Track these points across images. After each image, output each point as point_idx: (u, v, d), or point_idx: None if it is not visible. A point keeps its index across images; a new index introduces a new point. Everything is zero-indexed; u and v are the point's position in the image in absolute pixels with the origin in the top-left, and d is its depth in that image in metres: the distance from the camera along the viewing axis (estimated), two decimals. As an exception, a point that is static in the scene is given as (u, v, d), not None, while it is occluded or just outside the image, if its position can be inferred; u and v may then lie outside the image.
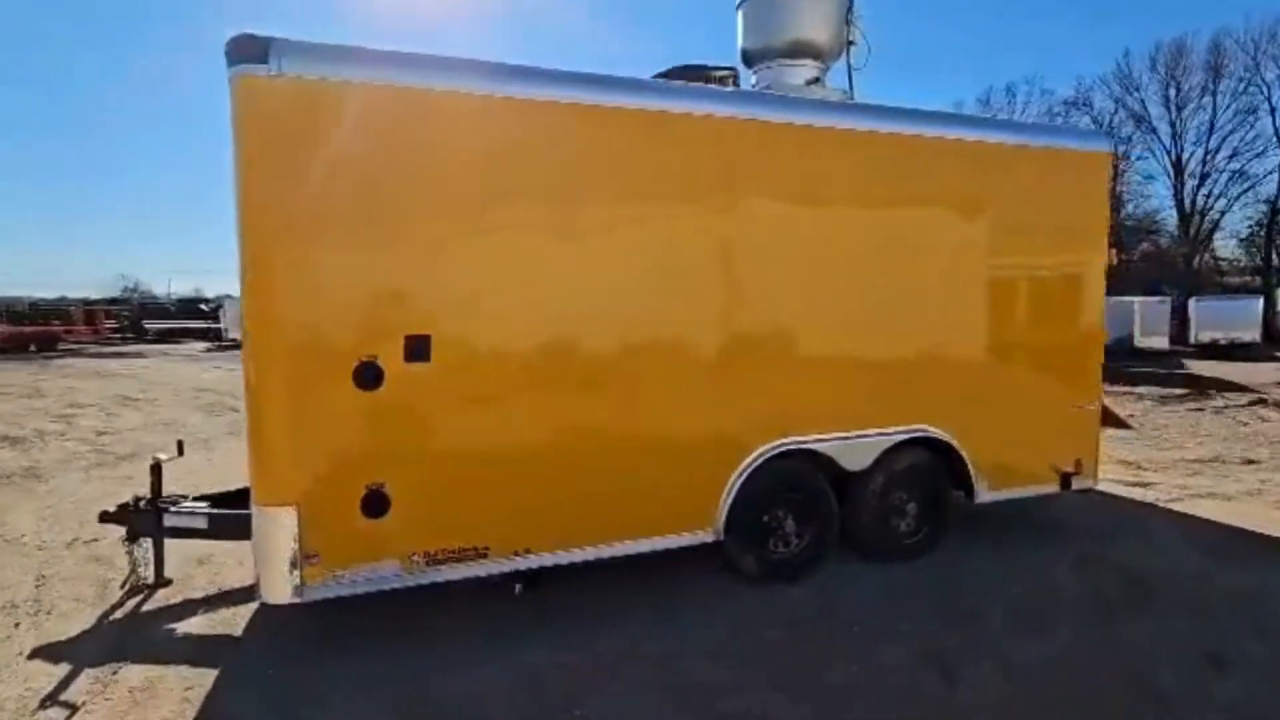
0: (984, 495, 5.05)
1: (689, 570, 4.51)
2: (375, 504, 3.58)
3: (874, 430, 4.69)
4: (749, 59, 4.96)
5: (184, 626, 4.02)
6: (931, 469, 4.92)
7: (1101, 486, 6.81)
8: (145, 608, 4.26)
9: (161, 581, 4.51)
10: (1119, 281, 25.51)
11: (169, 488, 4.62)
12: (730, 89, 4.64)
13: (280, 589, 3.49)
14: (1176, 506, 6.28)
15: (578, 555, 4.03)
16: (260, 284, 3.42)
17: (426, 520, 3.70)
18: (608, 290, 3.98)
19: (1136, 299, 23.08)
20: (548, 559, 3.96)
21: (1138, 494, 6.68)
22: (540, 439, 3.88)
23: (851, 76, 4.97)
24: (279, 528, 3.45)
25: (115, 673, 3.52)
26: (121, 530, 4.51)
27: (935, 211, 4.78)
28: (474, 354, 3.74)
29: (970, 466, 4.95)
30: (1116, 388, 15.31)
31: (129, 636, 3.90)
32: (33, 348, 26.23)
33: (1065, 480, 5.30)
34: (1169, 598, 4.37)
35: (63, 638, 3.88)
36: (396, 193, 3.54)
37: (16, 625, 4.04)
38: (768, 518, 4.51)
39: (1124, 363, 18.09)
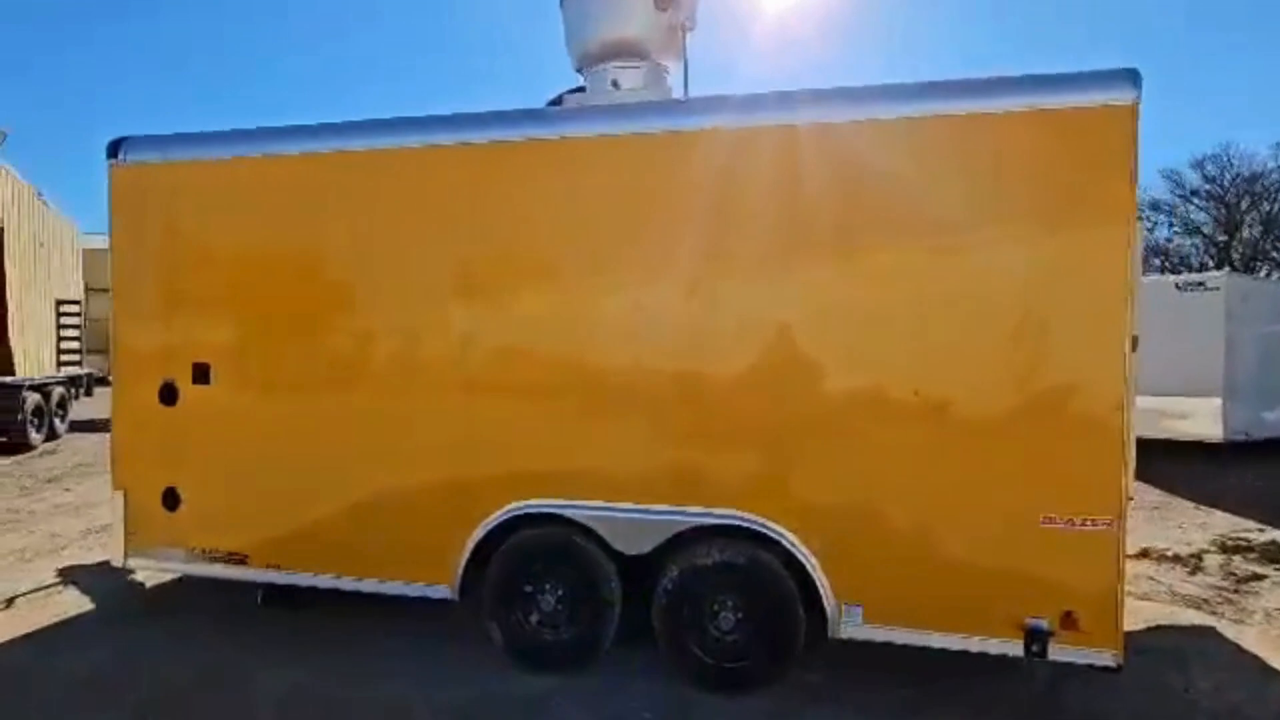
0: (852, 628, 3.51)
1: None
2: (171, 499, 4.34)
3: (659, 506, 3.70)
4: (576, 63, 4.43)
5: (141, 574, 5.34)
6: (765, 573, 3.61)
7: (1253, 643, 4.01)
8: (149, 555, 5.76)
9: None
10: None
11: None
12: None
13: (117, 555, 4.50)
14: None
15: (320, 581, 4.18)
16: (116, 321, 4.51)
17: (205, 520, 4.31)
18: (349, 329, 4.12)
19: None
20: (293, 578, 4.20)
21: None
22: (291, 464, 4.18)
23: (687, 71, 4.03)
24: (115, 507, 4.46)
25: (60, 592, 4.94)
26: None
27: (778, 207, 3.59)
28: (244, 382, 4.26)
29: (820, 581, 3.51)
30: None
31: (103, 573, 5.35)
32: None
33: (1034, 640, 3.31)
34: None
35: (78, 563, 5.55)
36: (189, 246, 4.31)
37: (81, 548, 5.90)
38: (531, 589, 3.93)
39: None
